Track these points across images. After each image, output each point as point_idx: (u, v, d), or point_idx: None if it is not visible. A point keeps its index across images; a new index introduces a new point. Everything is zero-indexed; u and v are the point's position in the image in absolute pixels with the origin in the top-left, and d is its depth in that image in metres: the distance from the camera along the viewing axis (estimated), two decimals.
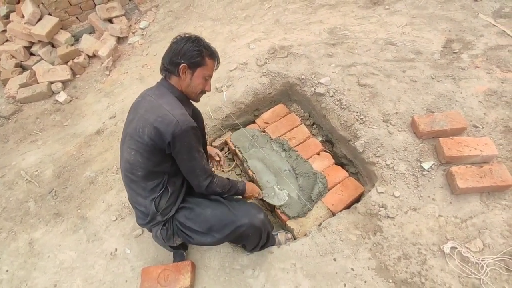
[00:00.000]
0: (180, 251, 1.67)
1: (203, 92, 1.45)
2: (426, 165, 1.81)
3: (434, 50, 2.53)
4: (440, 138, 1.84)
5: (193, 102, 1.52)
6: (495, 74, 2.25)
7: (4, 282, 1.82)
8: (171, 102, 1.32)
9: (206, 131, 2.22)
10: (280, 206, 1.89)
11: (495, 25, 2.62)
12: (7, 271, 1.87)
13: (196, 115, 1.61)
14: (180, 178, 1.46)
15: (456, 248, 1.55)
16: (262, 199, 1.88)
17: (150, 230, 1.51)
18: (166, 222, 1.44)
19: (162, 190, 1.38)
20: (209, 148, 1.87)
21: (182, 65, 1.32)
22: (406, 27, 2.77)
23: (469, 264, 1.51)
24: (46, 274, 1.82)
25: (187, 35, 1.38)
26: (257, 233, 1.51)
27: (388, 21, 2.87)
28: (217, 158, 1.88)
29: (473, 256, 1.52)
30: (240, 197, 1.67)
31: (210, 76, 1.43)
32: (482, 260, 1.51)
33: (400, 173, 1.82)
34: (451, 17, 2.79)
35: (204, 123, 1.84)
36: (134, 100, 1.46)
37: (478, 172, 1.70)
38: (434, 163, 1.82)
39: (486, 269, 1.48)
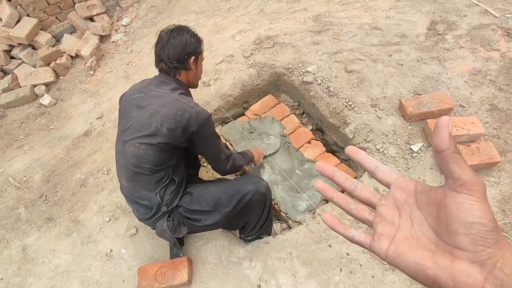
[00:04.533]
0: (174, 250, 1.66)
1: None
2: (415, 147, 1.83)
3: (419, 32, 2.53)
4: (428, 120, 1.85)
5: None
6: (479, 54, 2.26)
7: None
8: (184, 97, 1.37)
9: None
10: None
11: (477, 4, 2.63)
12: (1, 279, 1.84)
13: None
14: (182, 167, 1.47)
15: None
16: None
17: (154, 226, 1.46)
18: (170, 213, 1.43)
19: (168, 180, 1.39)
20: None
21: (192, 57, 1.39)
22: (390, 11, 2.77)
23: None
24: (42, 279, 1.80)
25: (171, 27, 1.39)
26: (261, 201, 1.52)
27: (372, 6, 2.86)
28: None
29: None
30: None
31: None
32: None
33: (390, 157, 1.84)
34: None
35: None
36: (126, 98, 1.45)
37: (466, 151, 1.72)
38: (423, 145, 1.84)
39: None
